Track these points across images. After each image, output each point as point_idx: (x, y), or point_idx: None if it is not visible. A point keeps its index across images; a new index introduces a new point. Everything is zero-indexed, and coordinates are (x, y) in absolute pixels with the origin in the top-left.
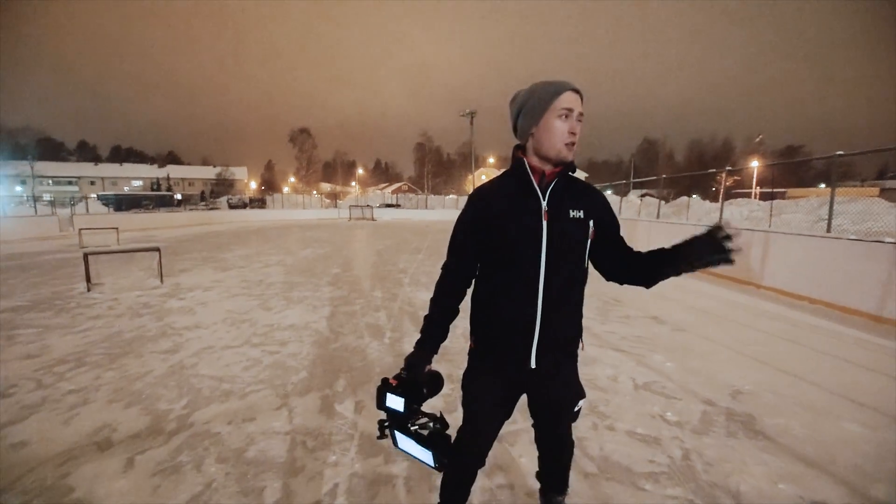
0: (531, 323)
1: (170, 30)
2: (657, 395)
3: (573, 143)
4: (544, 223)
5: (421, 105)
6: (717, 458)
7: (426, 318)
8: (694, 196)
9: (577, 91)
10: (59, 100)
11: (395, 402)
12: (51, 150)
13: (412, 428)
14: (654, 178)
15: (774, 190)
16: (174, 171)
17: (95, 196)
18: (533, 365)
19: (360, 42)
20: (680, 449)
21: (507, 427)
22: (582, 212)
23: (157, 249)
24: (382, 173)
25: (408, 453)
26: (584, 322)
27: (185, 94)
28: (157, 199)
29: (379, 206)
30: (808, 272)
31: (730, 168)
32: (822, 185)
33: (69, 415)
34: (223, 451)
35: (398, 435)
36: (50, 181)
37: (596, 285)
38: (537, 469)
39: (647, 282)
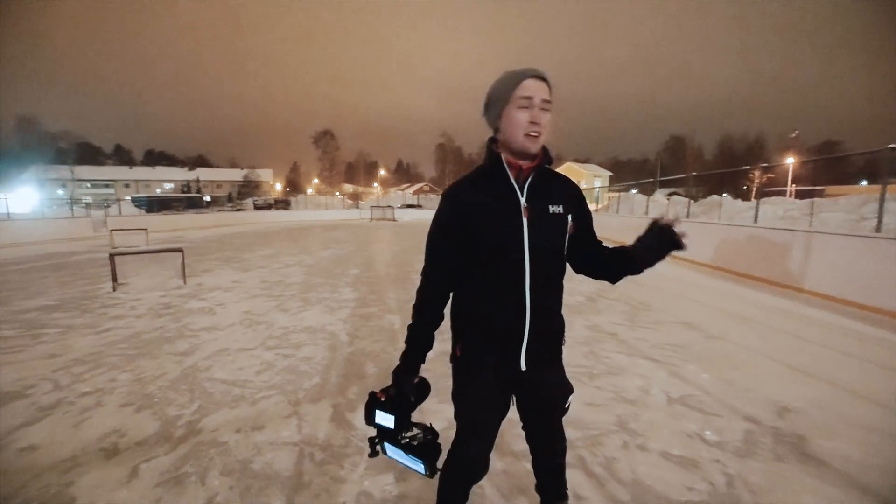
0: (521, 325)
1: (203, 42)
2: (693, 411)
3: (537, 134)
4: (524, 220)
5: (442, 106)
6: (765, 486)
7: (410, 327)
8: (724, 195)
9: (540, 77)
10: (97, 106)
11: (386, 420)
12: (89, 154)
13: (402, 441)
14: (683, 175)
15: (813, 188)
16: (203, 173)
17: (130, 199)
18: (523, 367)
19: (382, 47)
20: (722, 474)
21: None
22: (561, 206)
23: (181, 250)
24: (404, 174)
25: (399, 462)
26: (612, 328)
27: (214, 98)
28: (187, 200)
29: (400, 207)
30: (856, 275)
31: (765, 164)
32: (864, 183)
33: (80, 418)
34: (229, 463)
35: (388, 446)
36: (88, 184)
37: (624, 288)
38: (535, 482)
39: (613, 279)
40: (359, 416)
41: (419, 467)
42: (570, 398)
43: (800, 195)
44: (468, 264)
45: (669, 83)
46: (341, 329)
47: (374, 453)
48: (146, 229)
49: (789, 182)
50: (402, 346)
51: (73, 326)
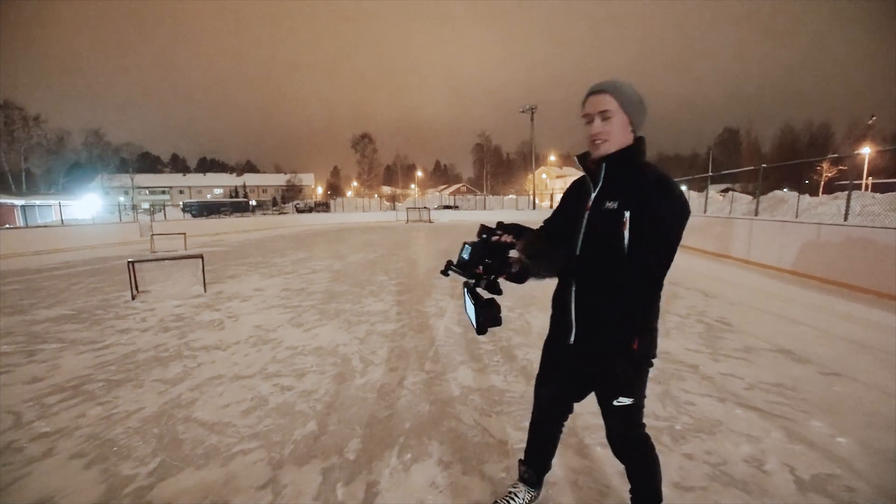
0: (568, 301)
1: (252, 52)
2: None
3: (597, 143)
4: (586, 215)
5: (480, 106)
6: None
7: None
8: (785, 190)
9: (598, 91)
10: (157, 119)
11: (465, 251)
12: (148, 163)
13: (474, 283)
14: (751, 168)
15: (893, 180)
16: (250, 179)
17: (181, 204)
18: (572, 340)
19: (423, 53)
20: None
21: None
22: (616, 202)
23: (201, 257)
24: (441, 175)
25: (465, 308)
26: (690, 358)
27: (263, 107)
28: (234, 205)
29: (436, 208)
30: None
31: (836, 155)
32: None
33: (18, 474)
34: None
35: (466, 294)
36: (147, 191)
37: (693, 300)
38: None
39: None
40: (354, 492)
41: (473, 319)
42: (625, 400)
43: (877, 189)
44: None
45: (721, 73)
46: (355, 351)
47: (445, 271)
48: (185, 234)
49: (865, 174)
50: (423, 378)
51: (74, 342)
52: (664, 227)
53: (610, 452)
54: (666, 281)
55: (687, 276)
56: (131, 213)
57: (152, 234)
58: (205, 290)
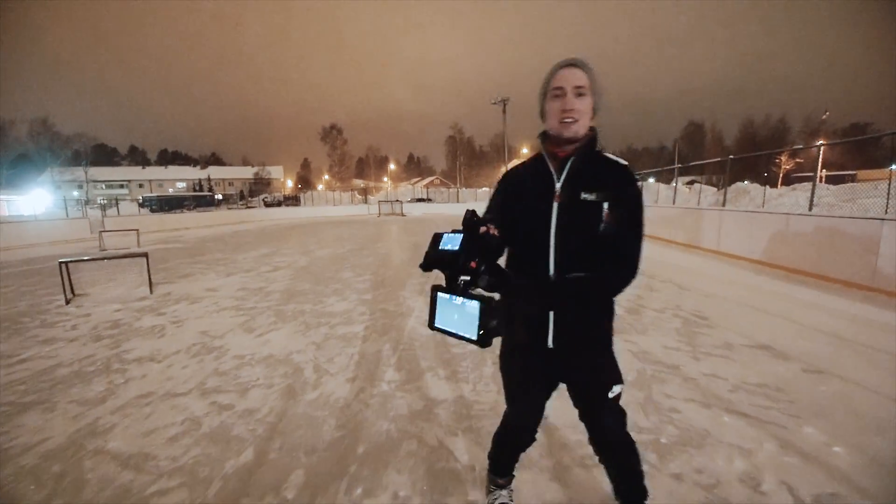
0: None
1: (213, 42)
2: None
3: (571, 120)
4: (555, 205)
5: (452, 99)
6: None
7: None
8: (746, 182)
9: (574, 65)
10: (112, 109)
11: (452, 241)
12: (104, 155)
13: (468, 281)
14: (718, 159)
15: (844, 172)
16: (215, 171)
17: (140, 199)
18: (550, 345)
19: (394, 42)
20: None
21: None
22: (595, 194)
23: (145, 255)
24: (415, 167)
25: (447, 326)
26: (670, 357)
27: (227, 97)
28: (198, 199)
29: (409, 201)
30: None
31: (798, 147)
32: None
33: None
34: None
35: (440, 298)
36: (103, 185)
37: (668, 293)
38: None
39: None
40: None
41: (472, 326)
42: (617, 388)
43: (830, 181)
44: (508, 241)
45: (686, 68)
46: (310, 359)
47: (427, 267)
48: (137, 230)
49: (819, 167)
50: (384, 390)
51: None
52: (640, 214)
53: (594, 474)
54: (641, 273)
55: (660, 267)
56: (82, 209)
57: (101, 231)
58: (151, 292)
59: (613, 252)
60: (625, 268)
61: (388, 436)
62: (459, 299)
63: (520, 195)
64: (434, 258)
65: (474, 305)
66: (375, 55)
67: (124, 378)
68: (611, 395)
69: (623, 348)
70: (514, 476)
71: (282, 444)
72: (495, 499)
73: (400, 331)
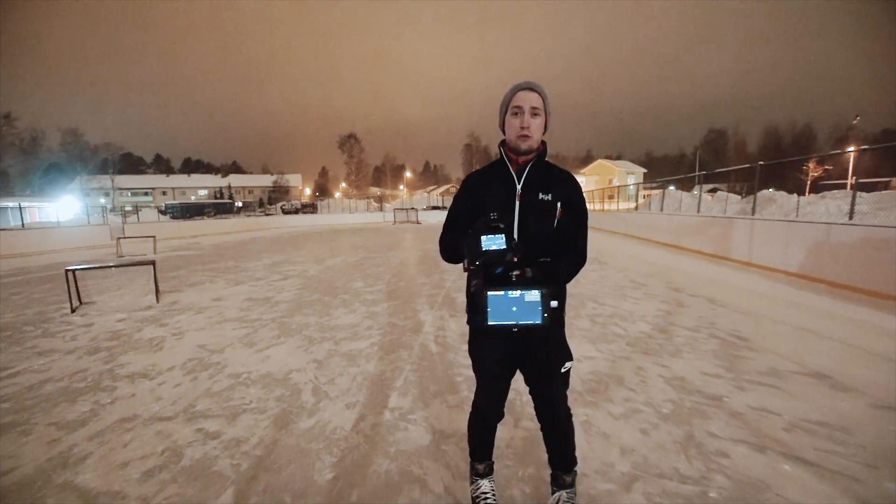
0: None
1: (237, 52)
2: None
3: (525, 136)
4: (517, 204)
5: (470, 107)
6: None
7: (444, 249)
8: (771, 189)
9: (531, 89)
10: (140, 119)
11: (495, 241)
12: (131, 164)
13: (513, 274)
14: (746, 166)
15: (877, 180)
16: (235, 180)
17: (163, 206)
18: (514, 329)
19: (412, 51)
20: None
21: None
22: (550, 195)
23: (152, 263)
24: (432, 175)
25: (504, 320)
26: (710, 386)
27: (249, 106)
28: (217, 206)
29: (425, 209)
30: None
31: (834, 152)
32: None
33: None
34: None
35: (491, 296)
36: (128, 192)
37: (700, 309)
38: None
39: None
40: None
41: (534, 298)
42: (568, 364)
43: (862, 188)
44: None
45: (712, 75)
46: (309, 380)
47: (471, 268)
48: (154, 237)
49: (850, 174)
50: (387, 420)
51: None
52: (585, 212)
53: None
54: (668, 287)
55: (688, 279)
56: (103, 216)
57: (118, 238)
58: (157, 301)
59: (568, 245)
60: (579, 256)
61: (387, 478)
62: (517, 291)
63: (485, 195)
64: (482, 257)
65: (535, 294)
66: (398, 66)
67: (111, 397)
68: (563, 370)
69: (654, 373)
70: (493, 462)
71: (266, 485)
72: (478, 488)
73: (408, 349)
